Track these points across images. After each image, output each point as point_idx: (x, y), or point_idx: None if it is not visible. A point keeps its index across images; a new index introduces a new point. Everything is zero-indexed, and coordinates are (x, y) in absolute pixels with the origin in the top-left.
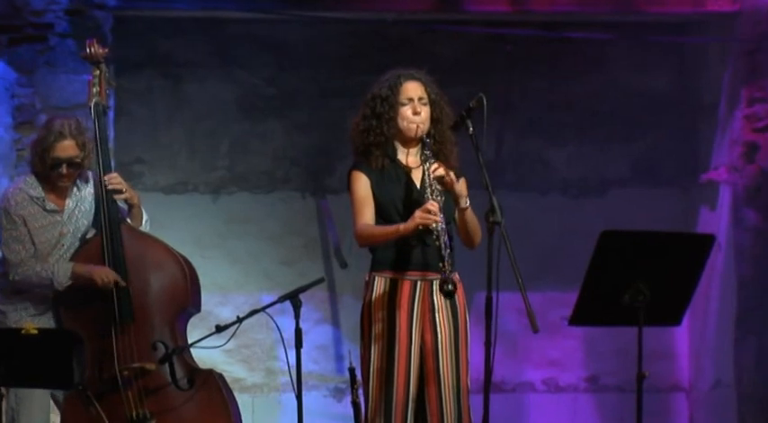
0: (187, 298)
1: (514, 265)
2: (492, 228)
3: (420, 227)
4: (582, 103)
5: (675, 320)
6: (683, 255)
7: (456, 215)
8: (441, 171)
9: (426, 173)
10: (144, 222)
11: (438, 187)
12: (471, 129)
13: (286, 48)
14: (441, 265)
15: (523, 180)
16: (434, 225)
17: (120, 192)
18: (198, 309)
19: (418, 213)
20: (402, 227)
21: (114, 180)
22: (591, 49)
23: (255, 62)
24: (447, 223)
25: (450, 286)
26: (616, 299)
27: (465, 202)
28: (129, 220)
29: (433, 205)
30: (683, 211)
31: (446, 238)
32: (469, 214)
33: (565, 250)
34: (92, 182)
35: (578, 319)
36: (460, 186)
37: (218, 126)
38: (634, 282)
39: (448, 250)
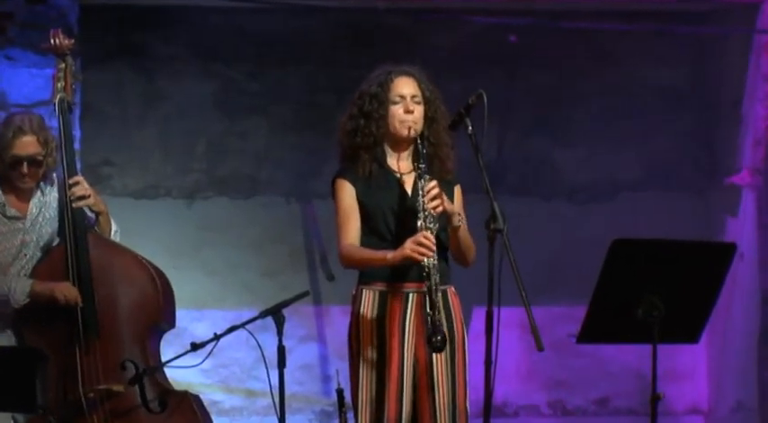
0: (159, 313)
1: (517, 277)
2: (493, 236)
3: (410, 259)
4: (591, 100)
5: (693, 338)
6: (702, 265)
7: (448, 230)
8: (434, 192)
9: (420, 191)
10: (113, 233)
11: (433, 212)
12: (470, 128)
13: (269, 39)
14: (429, 312)
15: (527, 184)
16: (426, 261)
17: (83, 198)
18: (172, 324)
19: (409, 245)
20: (390, 256)
21: (78, 186)
22: (602, 41)
23: (236, 55)
24: (442, 231)
25: (438, 339)
26: (628, 314)
27: (458, 221)
28: (96, 230)
29: (426, 237)
30: (701, 217)
31: (437, 276)
32: (463, 232)
33: (572, 261)
34: (57, 185)
35: (587, 335)
36: (454, 203)
37: (194, 125)
38: (648, 295)
39: (440, 293)
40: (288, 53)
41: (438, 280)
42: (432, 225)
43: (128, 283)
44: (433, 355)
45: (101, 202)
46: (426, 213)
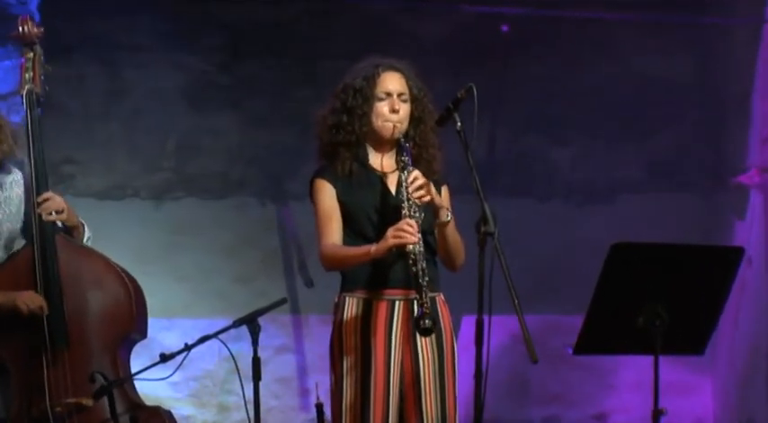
0: (132, 322)
1: (509, 284)
2: (484, 240)
3: (394, 248)
4: (589, 94)
5: (698, 349)
6: (707, 271)
7: (436, 230)
8: (419, 182)
9: (404, 183)
10: (85, 240)
11: (417, 202)
12: (459, 124)
13: (243, 28)
14: (418, 297)
15: (520, 184)
16: (411, 247)
17: (57, 212)
18: (144, 334)
19: (391, 232)
20: (373, 249)
21: (48, 202)
22: (600, 31)
23: (207, 45)
24: (429, 234)
25: (427, 322)
26: (628, 323)
27: (446, 216)
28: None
29: (409, 223)
30: (706, 219)
31: (424, 263)
32: (451, 230)
33: (569, 266)
34: (19, 178)
35: (585, 346)
36: (441, 197)
37: (162, 120)
38: (649, 303)
39: (426, 278)
40: (263, 44)
41: (424, 265)
42: (416, 214)
43: (99, 289)
44: (421, 366)
45: (75, 216)
46: (410, 203)
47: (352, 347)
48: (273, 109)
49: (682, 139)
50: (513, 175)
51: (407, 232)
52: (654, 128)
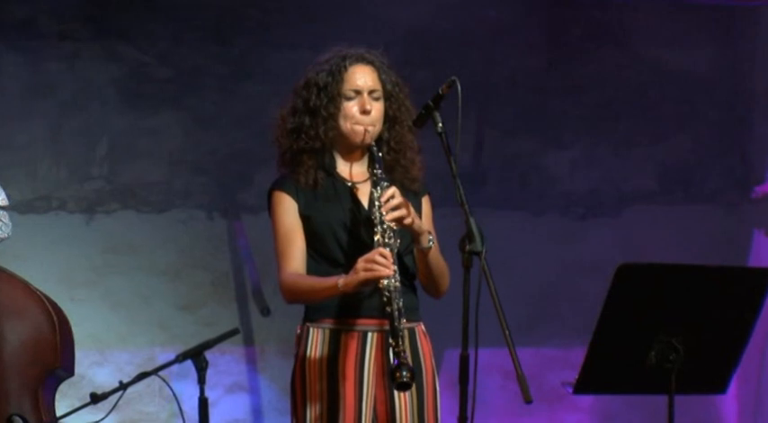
0: (56, 356)
1: (499, 312)
2: (469, 260)
3: (365, 283)
4: (592, 90)
5: (720, 387)
6: (730, 296)
7: (415, 254)
8: (395, 202)
9: (377, 202)
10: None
11: (393, 226)
12: (440, 124)
13: (186, 13)
14: (392, 343)
15: (512, 195)
16: (385, 282)
17: None
18: (70, 371)
19: (362, 264)
20: (341, 283)
21: None
22: (604, 17)
23: (144, 32)
24: (406, 255)
25: (404, 374)
26: (638, 358)
27: (427, 242)
28: None
29: (383, 253)
30: (729, 235)
31: (400, 300)
32: (434, 255)
33: (568, 291)
34: None
35: (587, 385)
36: (421, 218)
37: (92, 120)
38: (663, 334)
39: (404, 319)
40: (210, 31)
41: (401, 304)
42: (391, 241)
43: (17, 319)
44: (397, 408)
45: None
46: (384, 227)
47: (317, 392)
48: (222, 107)
49: (699, 142)
50: (502, 183)
51: (381, 264)
52: (667, 129)
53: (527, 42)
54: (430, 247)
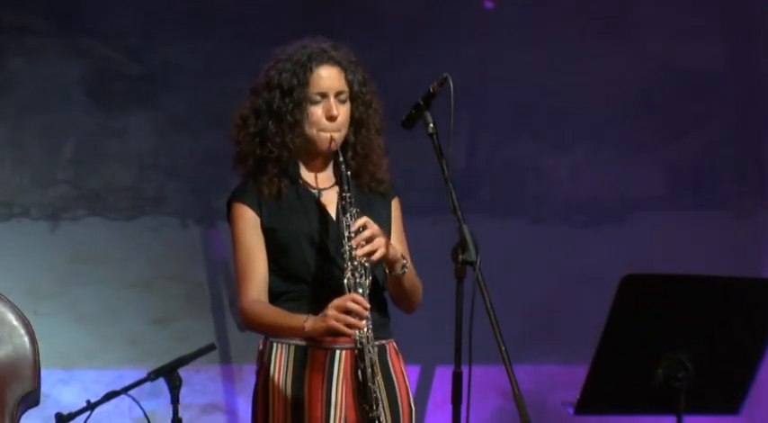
0: (34, 378)
1: (495, 326)
2: (462, 270)
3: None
4: (594, 88)
5: (733, 407)
6: (743, 309)
7: (388, 278)
8: (367, 234)
9: (346, 233)
10: None
11: (364, 263)
12: (431, 125)
13: (157, 5)
14: (366, 407)
15: (508, 200)
16: (357, 334)
17: None
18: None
19: (332, 312)
20: (308, 327)
21: None
22: (607, 8)
23: (113, 27)
24: (377, 266)
25: None
26: (644, 375)
27: (401, 268)
28: None
29: (355, 299)
30: (742, 244)
31: (375, 354)
32: (408, 278)
33: (569, 303)
34: None
35: (589, 404)
36: (391, 221)
37: (57, 120)
38: (671, 350)
39: (378, 377)
40: (182, 25)
41: (375, 358)
42: (362, 279)
43: None
44: None
45: None
46: (356, 264)
47: (281, 406)
48: (195, 106)
49: (711, 145)
50: (498, 188)
51: (353, 312)
52: (676, 130)
53: (525, 37)
54: (404, 272)
